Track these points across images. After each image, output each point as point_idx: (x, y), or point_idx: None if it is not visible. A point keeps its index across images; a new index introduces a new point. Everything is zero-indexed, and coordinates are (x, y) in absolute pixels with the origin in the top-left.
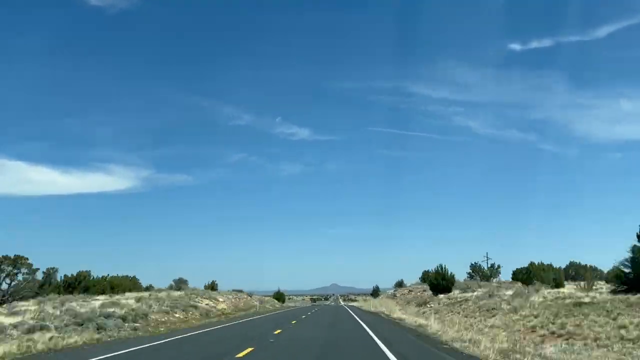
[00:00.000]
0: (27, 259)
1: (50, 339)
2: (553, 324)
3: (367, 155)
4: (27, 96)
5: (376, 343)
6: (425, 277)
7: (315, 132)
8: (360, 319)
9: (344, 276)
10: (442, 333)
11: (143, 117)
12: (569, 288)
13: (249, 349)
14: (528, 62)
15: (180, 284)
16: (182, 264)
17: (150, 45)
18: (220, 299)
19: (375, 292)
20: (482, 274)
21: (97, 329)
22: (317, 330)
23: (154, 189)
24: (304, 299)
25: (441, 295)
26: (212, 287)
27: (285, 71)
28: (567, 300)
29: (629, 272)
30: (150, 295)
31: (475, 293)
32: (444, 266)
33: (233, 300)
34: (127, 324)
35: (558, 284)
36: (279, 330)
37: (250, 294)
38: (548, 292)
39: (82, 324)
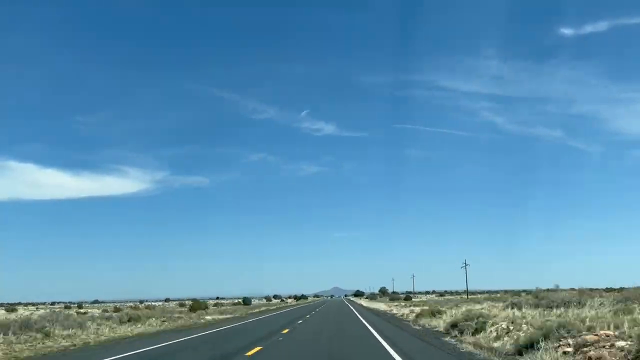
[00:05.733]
0: None
1: None
2: None
3: (389, 155)
4: (35, 94)
5: None
6: None
7: (342, 128)
8: None
9: (347, 279)
10: None
11: (158, 116)
12: None
13: None
14: (571, 52)
15: None
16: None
17: (167, 36)
18: None
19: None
20: None
21: None
22: None
23: (168, 191)
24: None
25: None
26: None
27: (313, 65)
28: None
29: None
30: None
31: None
32: None
33: None
34: None
35: None
36: None
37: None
38: None
39: None
